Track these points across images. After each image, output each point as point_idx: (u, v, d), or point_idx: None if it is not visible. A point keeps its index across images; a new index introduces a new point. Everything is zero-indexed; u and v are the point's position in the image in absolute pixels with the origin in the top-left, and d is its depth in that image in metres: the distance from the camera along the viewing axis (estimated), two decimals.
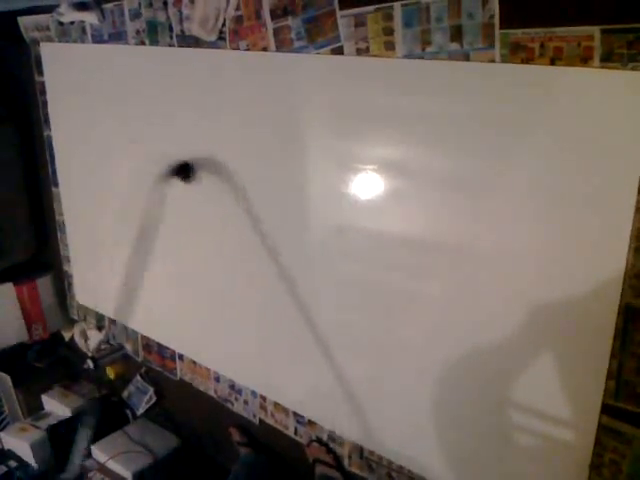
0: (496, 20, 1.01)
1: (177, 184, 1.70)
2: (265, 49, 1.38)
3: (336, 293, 1.43)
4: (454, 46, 1.07)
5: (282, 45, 1.35)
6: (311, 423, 1.64)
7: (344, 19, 1.22)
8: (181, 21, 1.55)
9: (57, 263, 2.46)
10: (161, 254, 1.90)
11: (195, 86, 1.59)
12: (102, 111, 1.93)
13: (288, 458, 1.79)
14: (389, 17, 1.15)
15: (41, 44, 2.08)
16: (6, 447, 2.24)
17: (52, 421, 2.27)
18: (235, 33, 1.44)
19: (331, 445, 1.60)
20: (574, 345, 1.07)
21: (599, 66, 0.92)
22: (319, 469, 1.60)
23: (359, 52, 1.22)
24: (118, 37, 1.77)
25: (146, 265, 1.98)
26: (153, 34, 1.65)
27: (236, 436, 1.88)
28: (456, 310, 1.22)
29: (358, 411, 1.48)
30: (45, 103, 2.18)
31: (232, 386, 1.85)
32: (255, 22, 1.38)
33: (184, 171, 1.68)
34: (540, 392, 1.13)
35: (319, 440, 1.63)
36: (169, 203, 1.80)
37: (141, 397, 2.25)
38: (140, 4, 1.65)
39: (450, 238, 1.19)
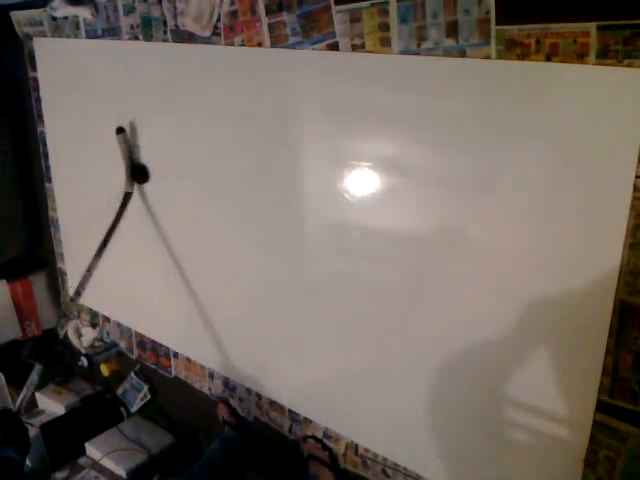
0: (492, 16, 1.00)
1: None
2: (260, 45, 1.38)
3: (331, 289, 1.43)
4: (450, 42, 1.07)
5: (277, 41, 1.34)
6: (307, 420, 1.63)
7: (340, 15, 1.21)
8: (175, 16, 1.54)
9: (51, 260, 2.45)
10: (154, 251, 1.89)
11: (189, 82, 1.58)
12: (96, 107, 1.92)
13: (282, 454, 1.79)
14: (385, 13, 1.14)
15: (34, 39, 2.06)
16: None
17: (46, 418, 2.26)
18: (230, 29, 1.43)
19: (326, 442, 1.60)
20: (569, 342, 1.07)
21: (595, 62, 0.92)
22: (312, 468, 1.60)
23: (355, 48, 1.21)
24: (112, 32, 1.76)
25: (140, 262, 1.98)
26: (147, 29, 1.64)
27: (223, 412, 1.86)
28: (451, 307, 1.22)
29: (354, 408, 1.48)
30: (38, 99, 2.16)
31: (226, 383, 1.85)
32: (250, 17, 1.37)
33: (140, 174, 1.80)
34: (535, 389, 1.13)
35: (314, 437, 1.63)
36: (163, 200, 1.80)
37: (135, 394, 2.24)
38: None
39: (445, 235, 1.19)
